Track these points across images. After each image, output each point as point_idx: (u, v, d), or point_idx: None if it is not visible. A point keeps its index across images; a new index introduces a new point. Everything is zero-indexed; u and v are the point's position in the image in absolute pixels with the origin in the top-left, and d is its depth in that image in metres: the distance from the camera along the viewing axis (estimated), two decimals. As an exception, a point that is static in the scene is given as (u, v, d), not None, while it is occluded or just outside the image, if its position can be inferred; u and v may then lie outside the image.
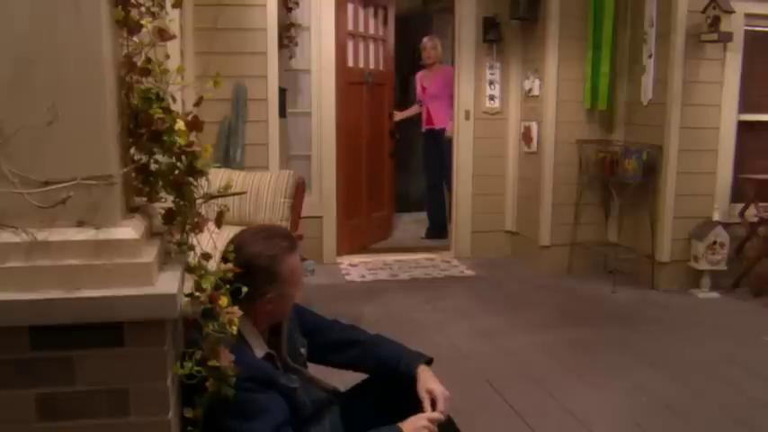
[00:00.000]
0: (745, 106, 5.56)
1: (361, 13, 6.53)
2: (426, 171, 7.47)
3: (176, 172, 1.86)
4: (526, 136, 6.17)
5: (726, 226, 5.43)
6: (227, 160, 5.03)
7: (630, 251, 5.78)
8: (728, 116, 5.48)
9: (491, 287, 5.56)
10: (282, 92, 5.35)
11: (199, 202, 1.92)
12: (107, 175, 1.65)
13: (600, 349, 4.33)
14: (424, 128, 7.20)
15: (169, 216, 1.92)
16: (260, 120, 5.09)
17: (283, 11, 5.40)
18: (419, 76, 7.35)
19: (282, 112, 5.39)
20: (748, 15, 5.38)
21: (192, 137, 1.86)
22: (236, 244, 2.09)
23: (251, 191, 3.98)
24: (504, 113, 6.39)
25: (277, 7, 5.11)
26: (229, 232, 2.24)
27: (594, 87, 5.76)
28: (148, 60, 1.80)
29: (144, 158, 1.87)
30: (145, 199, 1.96)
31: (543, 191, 5.94)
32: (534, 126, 6.02)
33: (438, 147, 7.06)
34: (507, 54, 6.30)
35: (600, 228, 6.11)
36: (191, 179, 1.91)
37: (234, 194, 2.06)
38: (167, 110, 1.81)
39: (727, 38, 5.17)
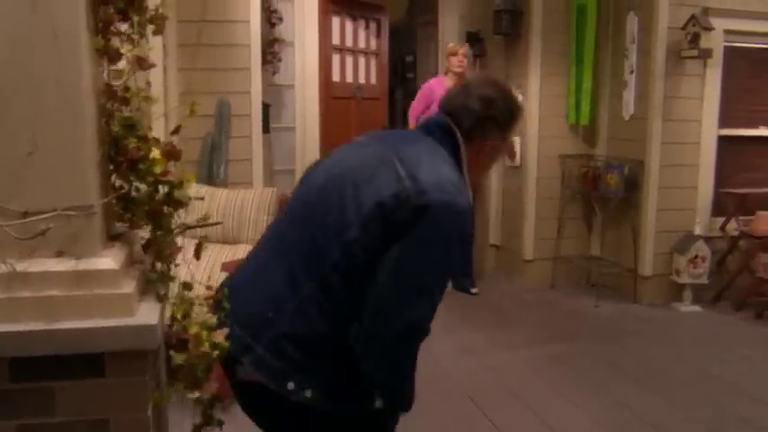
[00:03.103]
0: (725, 121, 5.62)
1: (350, 26, 6.55)
2: None
3: (154, 200, 1.86)
4: (509, 150, 6.20)
5: (707, 240, 5.48)
6: (210, 176, 5.02)
7: (613, 265, 5.81)
8: (709, 131, 5.53)
9: (475, 302, 5.57)
10: (266, 107, 5.35)
11: (177, 231, 1.92)
12: (87, 205, 1.65)
13: (582, 365, 4.35)
14: None
15: (148, 245, 1.92)
16: (243, 135, 5.08)
17: (267, 26, 5.40)
18: (442, 86, 5.69)
19: (266, 128, 5.38)
20: (728, 32, 5.43)
21: (170, 166, 1.86)
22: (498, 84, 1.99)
23: (234, 208, 3.99)
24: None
25: (260, 23, 5.11)
26: (209, 259, 2.24)
27: (577, 102, 5.81)
28: (127, 89, 1.80)
29: (125, 186, 1.87)
30: (126, 225, 1.96)
31: (527, 205, 5.98)
32: (517, 141, 6.05)
33: None
34: (491, 69, 6.32)
35: (583, 241, 6.15)
36: (168, 208, 1.90)
37: (211, 225, 2.05)
38: (143, 138, 1.81)
39: (706, 54, 5.22)
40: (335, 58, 6.38)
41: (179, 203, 1.93)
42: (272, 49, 5.44)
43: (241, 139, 5.09)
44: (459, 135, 1.85)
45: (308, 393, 1.72)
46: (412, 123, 5.66)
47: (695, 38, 5.17)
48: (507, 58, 6.27)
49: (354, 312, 1.70)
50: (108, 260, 1.67)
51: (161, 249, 1.91)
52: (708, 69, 5.42)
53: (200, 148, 5.04)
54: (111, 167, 1.89)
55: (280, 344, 1.74)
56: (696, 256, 5.40)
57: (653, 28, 5.32)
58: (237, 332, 1.78)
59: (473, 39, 6.20)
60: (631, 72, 5.58)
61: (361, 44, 6.79)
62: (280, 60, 5.59)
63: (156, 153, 1.82)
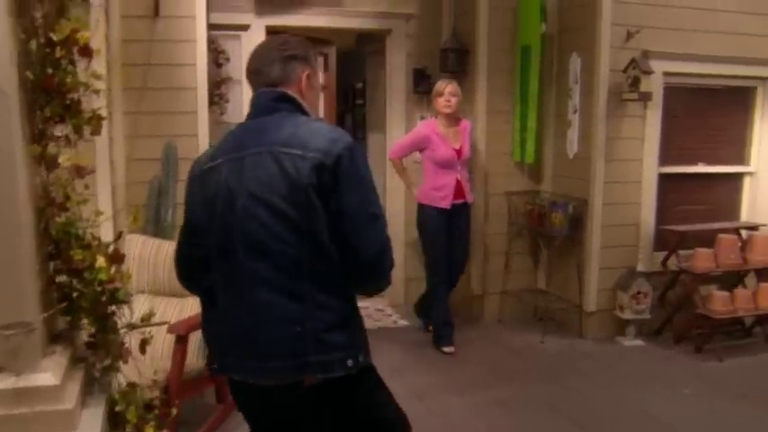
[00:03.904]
0: (665, 159, 5.77)
1: (296, 62, 6.54)
2: (438, 263, 5.48)
3: (99, 304, 1.86)
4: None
5: (649, 275, 5.61)
6: (158, 220, 4.99)
7: (560, 300, 5.92)
8: (649, 169, 5.67)
9: (423, 340, 5.61)
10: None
11: (123, 332, 1.93)
12: (26, 322, 1.65)
13: (527, 410, 4.42)
14: (451, 203, 5.35)
15: (92, 344, 1.92)
16: (191, 178, 5.06)
17: (213, 67, 5.39)
18: (433, 130, 5.40)
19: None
20: (666, 73, 5.58)
21: (114, 270, 1.87)
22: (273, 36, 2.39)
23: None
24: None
25: (207, 65, 5.10)
26: (156, 315, 2.24)
27: (522, 141, 5.90)
28: (67, 197, 1.80)
29: (67, 286, 1.87)
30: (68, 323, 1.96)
31: (474, 241, 6.04)
32: (465, 177, 6.12)
33: (465, 225, 5.58)
34: (438, 106, 6.40)
35: (530, 276, 6.25)
36: (112, 308, 1.91)
37: (156, 325, 2.06)
38: (87, 246, 1.81)
39: (646, 97, 5.36)
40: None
41: (122, 302, 1.94)
42: (218, 90, 5.44)
43: (188, 182, 5.06)
44: (288, 92, 2.18)
45: (361, 358, 2.11)
46: (396, 161, 5.59)
47: (635, 81, 5.30)
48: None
49: (341, 276, 2.06)
50: (48, 375, 1.67)
51: (107, 349, 1.92)
52: (648, 111, 5.56)
53: (147, 191, 5.01)
54: (53, 264, 1.89)
55: (323, 342, 2.04)
56: (638, 292, 5.53)
57: (595, 70, 5.45)
58: (274, 365, 2.04)
59: (420, 75, 6.27)
60: (575, 112, 5.70)
61: (310, 79, 6.78)
62: (227, 101, 5.59)
63: (101, 261, 1.82)
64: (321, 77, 2.14)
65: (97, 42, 1.94)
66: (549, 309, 5.91)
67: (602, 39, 5.38)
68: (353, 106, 9.60)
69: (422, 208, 5.47)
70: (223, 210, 2.06)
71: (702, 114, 6.00)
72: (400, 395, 4.44)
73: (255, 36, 5.84)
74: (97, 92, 1.86)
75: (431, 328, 5.66)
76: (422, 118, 6.39)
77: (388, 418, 2.39)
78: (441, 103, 5.36)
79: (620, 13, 5.39)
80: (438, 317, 5.51)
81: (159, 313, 3.93)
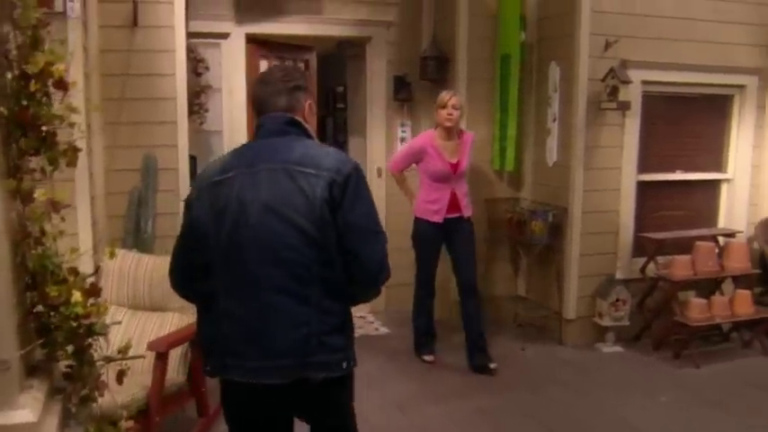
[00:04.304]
0: (643, 167, 5.82)
1: (278, 67, 6.54)
2: (426, 275, 5.40)
3: (76, 337, 1.86)
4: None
5: (627, 282, 5.66)
6: (137, 231, 4.97)
7: (540, 307, 5.96)
8: (628, 177, 5.72)
9: (404, 349, 5.62)
10: (193, 159, 5.32)
11: (100, 364, 1.93)
12: (2, 360, 1.64)
13: (506, 419, 4.45)
14: (443, 217, 5.14)
15: (69, 376, 1.92)
16: (170, 189, 5.04)
17: (193, 76, 5.38)
18: (429, 143, 5.15)
19: (193, 180, 5.36)
20: (645, 82, 5.63)
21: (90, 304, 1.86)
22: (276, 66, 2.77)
23: (162, 275, 3.95)
24: (416, 170, 6.49)
25: (186, 75, 5.09)
26: (135, 328, 2.24)
27: (502, 149, 5.93)
28: (43, 232, 1.80)
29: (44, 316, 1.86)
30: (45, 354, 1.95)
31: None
32: (445, 185, 6.15)
33: (466, 238, 5.26)
34: (418, 113, 6.43)
35: (510, 283, 6.28)
36: (89, 340, 1.91)
37: (132, 358, 2.06)
38: (62, 282, 1.81)
39: (625, 107, 5.41)
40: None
41: (99, 334, 1.94)
42: (198, 100, 5.43)
43: (168, 192, 5.05)
44: (296, 117, 2.41)
45: (352, 361, 2.36)
46: (396, 174, 5.41)
47: (614, 91, 5.34)
48: (434, 102, 6.33)
49: (344, 283, 2.29)
50: (26, 412, 1.66)
51: (84, 381, 1.91)
52: (627, 119, 5.61)
53: (126, 202, 5.00)
54: (30, 295, 1.89)
55: (325, 343, 2.26)
56: (617, 300, 5.58)
57: (574, 79, 5.48)
58: (277, 364, 2.24)
59: (400, 83, 6.29)
60: (554, 120, 5.73)
61: (291, 86, 6.78)
62: (206, 111, 5.58)
63: (77, 296, 1.82)
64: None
65: (73, 74, 1.94)
66: (529, 316, 5.94)
67: (581, 48, 5.41)
68: (334, 110, 9.59)
69: (416, 221, 5.29)
70: (234, 220, 2.26)
71: (680, 122, 6.05)
72: (380, 406, 4.53)
73: (235, 44, 5.84)
74: (73, 125, 1.86)
75: (492, 366, 5.19)
76: (402, 125, 6.41)
77: (354, 427, 2.58)
78: (442, 115, 5.08)
79: (599, 22, 5.44)
80: (419, 327, 5.47)
81: (139, 328, 3.93)
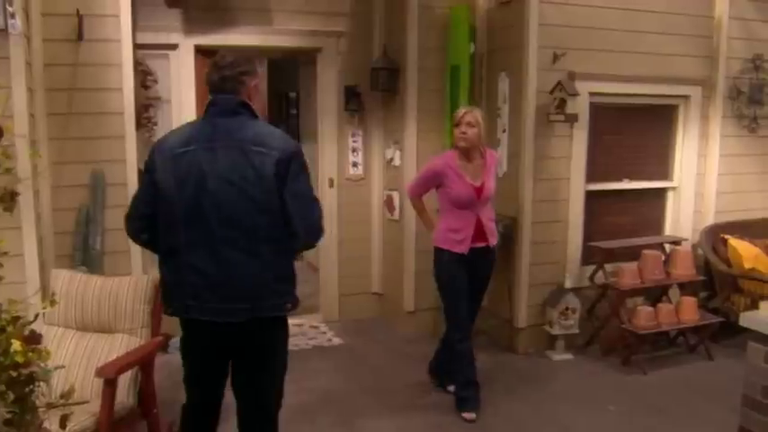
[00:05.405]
0: (591, 176, 5.91)
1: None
2: (459, 315, 4.70)
3: (17, 385, 1.83)
4: (389, 204, 6.32)
5: (577, 290, 5.75)
6: (86, 248, 4.91)
7: (492, 315, 6.00)
8: (577, 187, 5.80)
9: (359, 360, 5.64)
10: (141, 174, 5.25)
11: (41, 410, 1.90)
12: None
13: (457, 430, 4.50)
14: (468, 248, 4.57)
15: (9, 423, 1.89)
16: (120, 205, 4.94)
17: (141, 90, 5.31)
18: (447, 165, 4.61)
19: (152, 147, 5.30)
20: (592, 93, 5.71)
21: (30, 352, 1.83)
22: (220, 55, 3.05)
23: (110, 297, 3.91)
24: (368, 180, 6.53)
25: (134, 89, 5.01)
26: (84, 350, 2.21)
27: (453, 159, 5.95)
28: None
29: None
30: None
31: (406, 258, 6.10)
32: (396, 195, 6.18)
33: (487, 273, 4.84)
34: (369, 123, 6.44)
35: (462, 291, 6.31)
36: (31, 387, 1.88)
37: (76, 404, 2.04)
38: (1, 331, 1.78)
39: (572, 119, 5.48)
40: (214, 111, 6.31)
41: (41, 380, 1.91)
42: (146, 113, 5.36)
43: (117, 208, 4.97)
44: (245, 100, 2.90)
45: (296, 303, 2.97)
46: (414, 199, 4.90)
47: (561, 103, 5.41)
48: (385, 113, 6.38)
49: (287, 241, 2.86)
50: (-39, 470, 1.64)
51: (26, 429, 1.89)
52: (575, 130, 5.68)
53: (74, 219, 4.93)
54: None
55: (273, 289, 2.87)
56: (567, 308, 5.66)
57: (523, 91, 5.54)
58: (235, 306, 2.83)
59: (351, 93, 6.29)
60: (504, 131, 5.79)
61: (241, 95, 6.74)
62: (155, 124, 5.51)
63: (16, 345, 1.79)
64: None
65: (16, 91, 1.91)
66: (482, 324, 5.98)
67: (530, 61, 5.47)
68: (287, 116, 9.55)
69: (438, 252, 4.67)
70: (195, 186, 2.77)
71: (627, 132, 6.17)
72: (330, 424, 4.52)
73: (184, 55, 5.79)
74: (9, 170, 1.83)
75: (450, 388, 4.92)
76: (353, 135, 6.41)
77: (282, 380, 3.16)
78: (456, 134, 4.62)
79: (547, 35, 5.50)
80: (462, 376, 4.74)
81: (88, 351, 3.87)
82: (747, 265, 5.85)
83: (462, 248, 4.55)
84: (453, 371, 4.83)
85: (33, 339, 1.87)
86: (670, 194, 6.38)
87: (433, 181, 4.68)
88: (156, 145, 2.98)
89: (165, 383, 4.11)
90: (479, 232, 4.59)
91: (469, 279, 4.64)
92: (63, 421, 2.02)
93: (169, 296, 2.97)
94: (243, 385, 3.07)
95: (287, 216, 2.79)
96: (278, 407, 3.17)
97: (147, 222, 2.94)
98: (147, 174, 2.92)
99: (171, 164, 2.82)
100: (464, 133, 4.55)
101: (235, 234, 2.76)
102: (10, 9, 4.03)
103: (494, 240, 4.69)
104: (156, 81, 5.48)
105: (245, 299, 2.81)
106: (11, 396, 1.87)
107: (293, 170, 2.79)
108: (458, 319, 4.68)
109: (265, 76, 7.02)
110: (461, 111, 4.66)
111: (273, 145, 2.78)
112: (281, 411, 3.21)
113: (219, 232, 2.76)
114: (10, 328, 1.81)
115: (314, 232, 2.90)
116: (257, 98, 2.97)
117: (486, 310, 6.06)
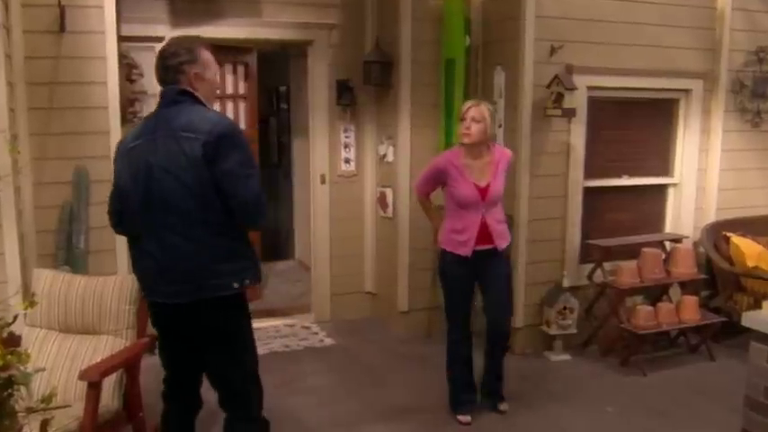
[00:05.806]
0: (589, 172, 5.77)
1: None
2: (454, 315, 4.63)
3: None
4: (382, 201, 6.18)
5: (575, 289, 5.62)
6: (69, 247, 4.76)
7: (487, 315, 5.86)
8: (574, 184, 5.67)
9: (351, 361, 5.50)
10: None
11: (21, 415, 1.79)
12: None
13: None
14: (472, 250, 4.36)
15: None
16: (104, 202, 4.78)
17: (126, 84, 5.16)
18: (451, 163, 4.41)
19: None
20: (590, 87, 5.57)
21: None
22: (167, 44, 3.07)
23: (94, 298, 3.78)
24: (360, 176, 6.39)
25: (119, 82, 4.87)
26: (68, 351, 2.07)
27: (448, 155, 5.82)
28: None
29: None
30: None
31: (400, 257, 5.97)
32: (389, 192, 6.04)
33: (498, 275, 4.52)
34: (362, 118, 6.30)
35: (457, 290, 6.18)
36: (9, 391, 1.77)
37: (57, 408, 1.93)
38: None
39: (570, 113, 5.34)
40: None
41: (21, 384, 1.81)
42: (132, 108, 5.21)
43: (101, 205, 4.81)
44: (186, 88, 2.93)
45: (247, 281, 2.99)
46: (421, 198, 4.72)
47: (559, 98, 5.27)
48: (378, 107, 6.24)
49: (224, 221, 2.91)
50: None
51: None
52: (572, 125, 5.55)
53: (57, 216, 4.78)
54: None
55: (214, 270, 2.91)
56: (564, 308, 5.53)
57: (519, 85, 5.40)
58: (180, 288, 2.93)
59: (343, 87, 6.14)
60: (500, 126, 5.64)
61: (229, 89, 6.62)
62: (141, 120, 5.36)
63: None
64: (215, 70, 3.08)
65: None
66: (478, 323, 5.84)
67: (526, 54, 5.33)
68: (278, 110, 9.40)
69: (442, 254, 4.52)
70: (144, 177, 2.88)
71: (627, 127, 6.03)
72: (323, 427, 4.39)
73: (171, 48, 5.62)
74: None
75: (502, 406, 4.70)
76: (345, 130, 6.28)
77: (250, 365, 3.18)
78: (460, 130, 4.37)
79: (544, 27, 5.36)
80: (455, 379, 4.65)
81: (71, 353, 3.74)
82: (750, 264, 5.72)
83: (465, 251, 4.34)
84: (448, 370, 4.69)
85: (12, 341, 1.79)
86: (670, 191, 6.25)
87: (436, 179, 4.49)
88: (119, 142, 3.16)
89: (152, 386, 3.95)
90: (485, 234, 4.34)
91: (479, 279, 4.48)
92: (44, 426, 1.93)
93: (140, 281, 3.17)
94: (210, 371, 3.17)
95: (224, 196, 2.85)
96: (256, 398, 3.20)
97: (119, 216, 3.12)
98: (114, 168, 3.11)
99: (126, 158, 2.98)
100: (468, 129, 4.30)
101: (173, 220, 2.86)
102: (-13, -2, 3.88)
103: (502, 243, 4.43)
104: (141, 75, 5.33)
105: (188, 282, 2.91)
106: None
107: (223, 151, 2.81)
108: (456, 320, 4.57)
109: (255, 69, 6.84)
110: (467, 105, 4.40)
111: (202, 129, 2.81)
112: (271, 413, 3.14)
113: (162, 219, 2.87)
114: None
115: (247, 210, 2.91)
116: (201, 85, 2.97)
117: (481, 309, 5.95)
